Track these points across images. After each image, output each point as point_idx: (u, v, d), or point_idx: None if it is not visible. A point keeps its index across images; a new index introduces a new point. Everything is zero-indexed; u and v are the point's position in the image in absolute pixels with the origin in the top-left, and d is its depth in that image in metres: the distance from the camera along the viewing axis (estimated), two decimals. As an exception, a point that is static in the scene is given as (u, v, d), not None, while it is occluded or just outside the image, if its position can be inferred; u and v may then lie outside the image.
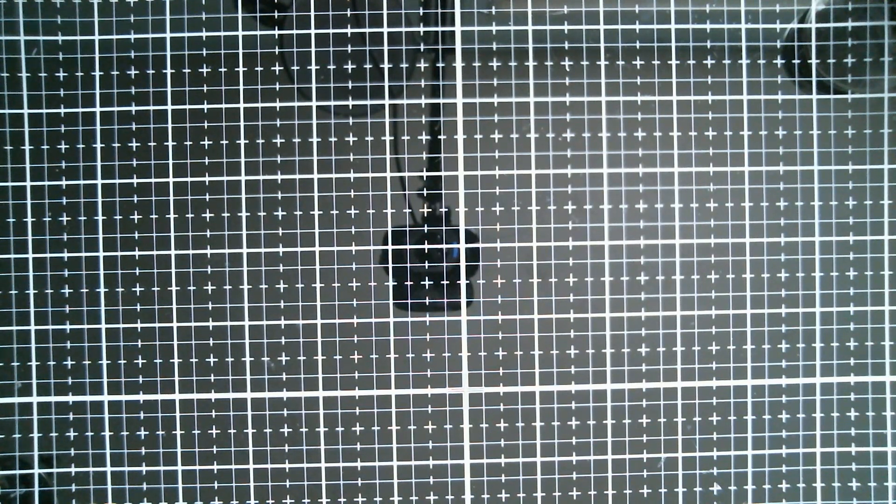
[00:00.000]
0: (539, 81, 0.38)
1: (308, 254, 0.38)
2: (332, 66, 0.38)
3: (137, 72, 0.38)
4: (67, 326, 0.38)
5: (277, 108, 0.38)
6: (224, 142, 0.38)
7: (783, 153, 0.38)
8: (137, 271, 0.38)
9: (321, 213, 0.38)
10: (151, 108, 0.38)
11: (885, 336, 0.38)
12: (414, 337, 0.38)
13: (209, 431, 0.38)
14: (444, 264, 0.38)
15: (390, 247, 0.38)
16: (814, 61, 0.38)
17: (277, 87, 0.38)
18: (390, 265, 0.38)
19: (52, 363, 0.37)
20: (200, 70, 0.38)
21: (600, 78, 0.38)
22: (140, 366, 0.38)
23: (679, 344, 0.38)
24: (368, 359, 0.38)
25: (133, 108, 0.38)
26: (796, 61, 0.38)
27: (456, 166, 0.38)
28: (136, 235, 0.38)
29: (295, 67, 0.38)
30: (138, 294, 0.38)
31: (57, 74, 0.38)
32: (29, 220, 0.38)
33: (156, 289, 0.38)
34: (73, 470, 0.38)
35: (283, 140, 0.38)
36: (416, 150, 0.38)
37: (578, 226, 0.38)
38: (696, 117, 0.38)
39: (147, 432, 0.38)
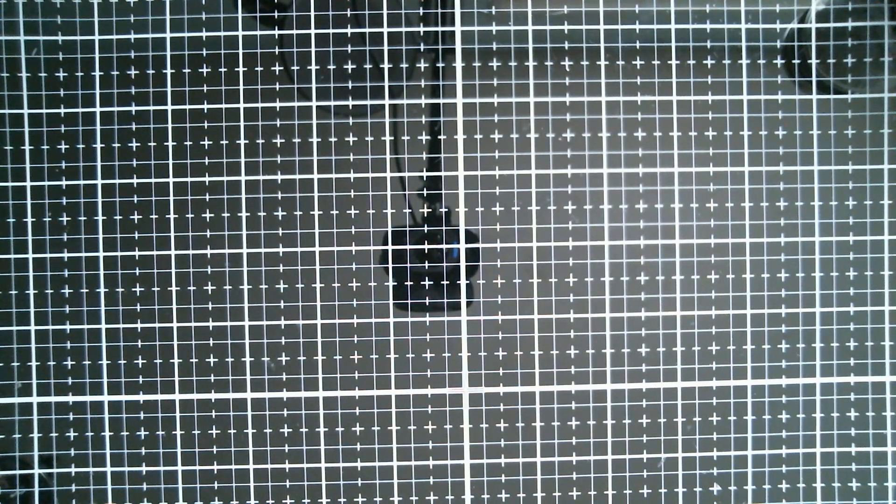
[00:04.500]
0: (539, 81, 0.38)
1: (308, 254, 0.38)
2: (332, 66, 0.38)
3: (137, 72, 0.38)
4: (67, 326, 0.38)
5: (277, 108, 0.38)
6: (224, 142, 0.38)
7: (783, 153, 0.38)
8: (137, 271, 0.38)
9: (321, 213, 0.38)
10: (151, 108, 0.38)
11: (885, 336, 0.38)
12: (414, 337, 0.38)
13: (209, 431, 0.38)
14: (444, 264, 0.38)
15: (390, 247, 0.38)
16: (814, 61, 0.38)
17: (277, 87, 0.38)
18: (390, 265, 0.38)
19: (52, 363, 0.37)
20: (200, 70, 0.38)
21: (600, 78, 0.38)
22: (140, 366, 0.38)
23: (679, 344, 0.38)
24: (368, 359, 0.38)
25: (133, 108, 0.38)
26: (796, 61, 0.38)
27: (456, 166, 0.38)
28: (136, 235, 0.38)
29: (295, 67, 0.38)
30: (138, 294, 0.38)
31: (57, 74, 0.38)
32: (29, 220, 0.38)
33: (156, 289, 0.38)
34: (73, 470, 0.38)
35: (283, 140, 0.38)
36: (416, 150, 0.38)
37: (578, 226, 0.38)
38: (696, 117, 0.38)
39: (147, 432, 0.38)
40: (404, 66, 0.38)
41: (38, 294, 0.38)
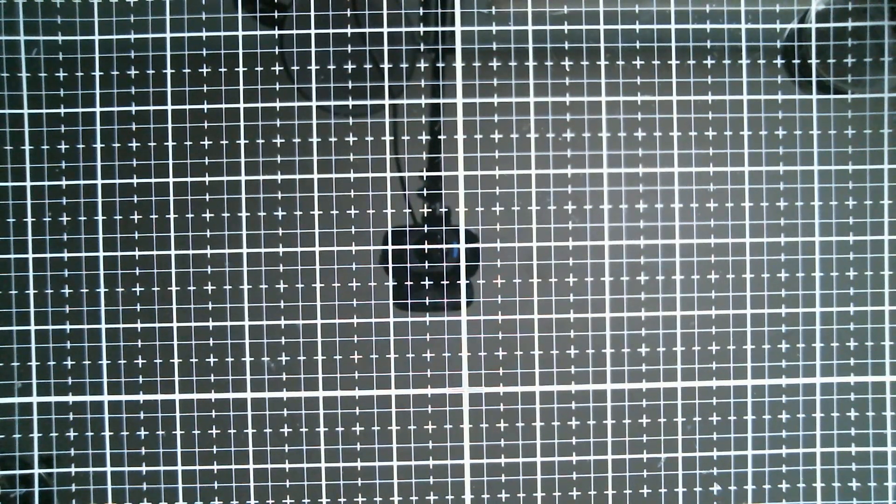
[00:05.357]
0: (539, 81, 0.38)
1: (308, 254, 0.38)
2: (332, 66, 0.38)
3: (137, 72, 0.38)
4: (67, 326, 0.38)
5: (277, 108, 0.38)
6: (224, 142, 0.38)
7: (783, 153, 0.38)
8: (137, 271, 0.38)
9: (321, 213, 0.38)
10: (151, 108, 0.38)
11: (885, 336, 0.38)
12: (414, 337, 0.38)
13: (209, 431, 0.38)
14: (444, 264, 0.38)
15: (390, 247, 0.38)
16: (814, 61, 0.38)
17: (277, 87, 0.38)
18: (390, 265, 0.38)
19: (52, 363, 0.37)
20: (200, 70, 0.38)
21: (600, 78, 0.38)
22: (140, 366, 0.38)
23: (679, 344, 0.38)
24: (368, 359, 0.38)
25: (133, 108, 0.38)
26: (796, 61, 0.38)
27: (456, 166, 0.38)
28: (136, 235, 0.38)
29: (295, 67, 0.38)
30: (138, 294, 0.38)
31: (57, 74, 0.38)
32: (29, 220, 0.38)
33: (156, 289, 0.38)
34: (73, 470, 0.38)
35: (283, 140, 0.38)
36: (416, 150, 0.38)
37: (578, 226, 0.38)
38: (696, 117, 0.38)
39: (147, 432, 0.38)
40: (404, 66, 0.38)
41: (38, 294, 0.38)
